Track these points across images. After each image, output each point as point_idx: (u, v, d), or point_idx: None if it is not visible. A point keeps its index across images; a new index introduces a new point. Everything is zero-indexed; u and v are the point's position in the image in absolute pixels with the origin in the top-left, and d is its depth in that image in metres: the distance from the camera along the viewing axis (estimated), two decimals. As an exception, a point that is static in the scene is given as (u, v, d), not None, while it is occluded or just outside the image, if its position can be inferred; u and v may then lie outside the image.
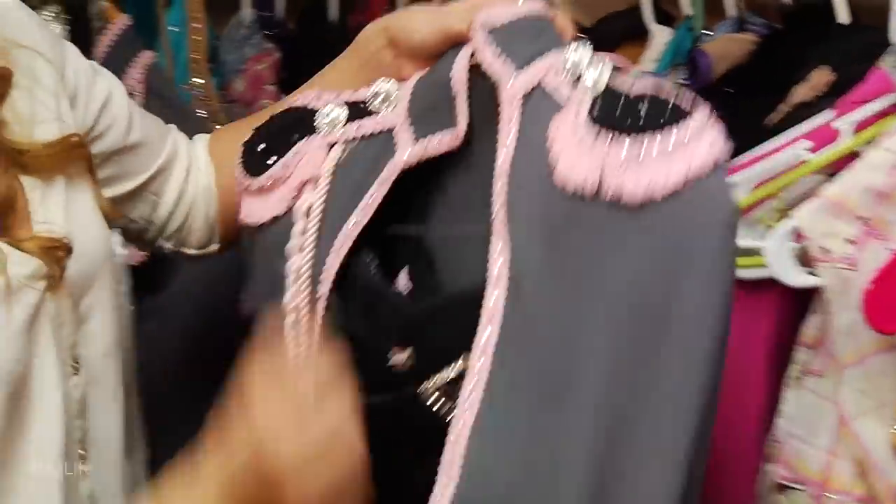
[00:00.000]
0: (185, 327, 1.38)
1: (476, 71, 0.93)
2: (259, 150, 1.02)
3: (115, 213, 1.01)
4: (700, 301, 0.82)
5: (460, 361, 0.88)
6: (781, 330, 1.25)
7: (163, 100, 1.54)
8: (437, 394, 0.89)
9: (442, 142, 0.94)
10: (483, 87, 0.93)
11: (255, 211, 1.02)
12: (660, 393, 0.83)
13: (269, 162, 1.00)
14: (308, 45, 1.80)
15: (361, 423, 0.85)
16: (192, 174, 1.13)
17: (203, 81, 1.71)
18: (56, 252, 0.88)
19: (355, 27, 1.22)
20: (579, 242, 0.84)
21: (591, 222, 0.83)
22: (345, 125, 1.00)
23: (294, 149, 1.00)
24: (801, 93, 1.44)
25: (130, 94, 1.51)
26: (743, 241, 1.24)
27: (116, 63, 1.55)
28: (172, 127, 1.16)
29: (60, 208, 0.93)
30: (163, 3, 1.73)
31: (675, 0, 1.77)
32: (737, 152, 1.30)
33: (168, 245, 1.16)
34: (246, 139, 1.03)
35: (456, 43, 0.95)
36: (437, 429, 0.88)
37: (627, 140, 0.81)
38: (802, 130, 1.30)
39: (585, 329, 0.83)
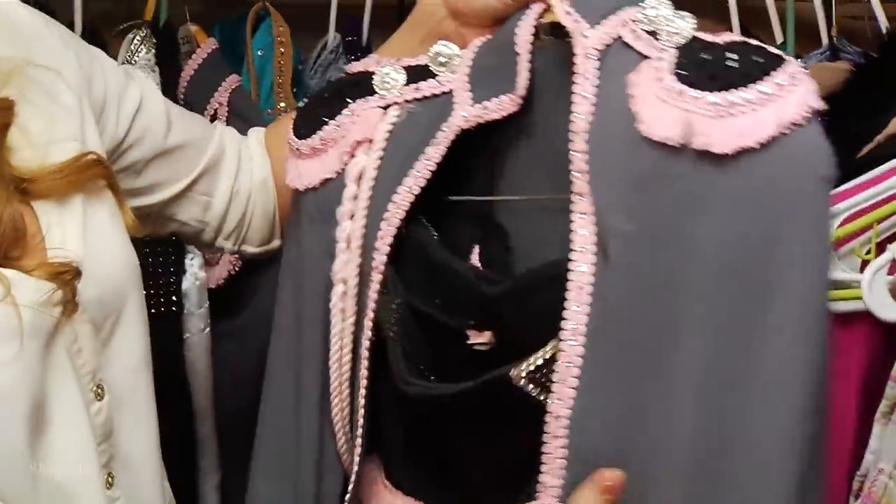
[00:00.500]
0: (262, 350, 1.37)
1: (542, 34, 0.92)
2: (313, 113, 1.00)
3: (139, 230, 0.97)
4: (802, 257, 0.79)
5: (549, 346, 0.84)
6: (872, 364, 1.21)
7: (247, 123, 1.54)
8: (528, 378, 0.85)
9: (502, 104, 0.90)
10: (549, 52, 0.91)
11: (306, 173, 0.99)
12: (768, 356, 0.79)
13: (322, 123, 0.98)
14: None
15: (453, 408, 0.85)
16: (243, 170, 1.11)
17: (287, 105, 1.71)
18: (64, 276, 0.84)
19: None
20: (667, 199, 0.80)
21: (679, 177, 0.80)
22: (402, 87, 0.97)
23: (348, 108, 0.97)
24: (898, 123, 1.40)
25: (214, 118, 1.53)
26: (836, 273, 1.21)
27: (203, 86, 1.57)
28: (218, 124, 1.13)
29: (79, 230, 0.89)
30: (250, 27, 1.74)
31: (765, 27, 1.73)
32: (829, 183, 1.27)
33: (228, 245, 1.13)
34: (301, 106, 1.02)
35: (521, 6, 0.93)
36: (531, 409, 0.85)
37: (716, 89, 0.79)
38: (902, 162, 1.26)
39: (680, 292, 0.80)
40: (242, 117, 1.55)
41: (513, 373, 0.85)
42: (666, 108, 0.80)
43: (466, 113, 0.91)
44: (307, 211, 1.00)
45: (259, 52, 1.73)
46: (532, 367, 0.85)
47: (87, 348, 0.87)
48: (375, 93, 0.97)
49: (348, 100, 0.98)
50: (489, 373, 0.87)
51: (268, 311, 1.18)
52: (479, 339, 0.90)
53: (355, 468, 0.96)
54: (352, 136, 0.96)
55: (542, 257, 0.89)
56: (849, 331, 1.20)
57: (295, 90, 1.74)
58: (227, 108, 1.55)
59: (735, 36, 0.82)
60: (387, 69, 0.98)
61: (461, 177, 0.95)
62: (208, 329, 1.39)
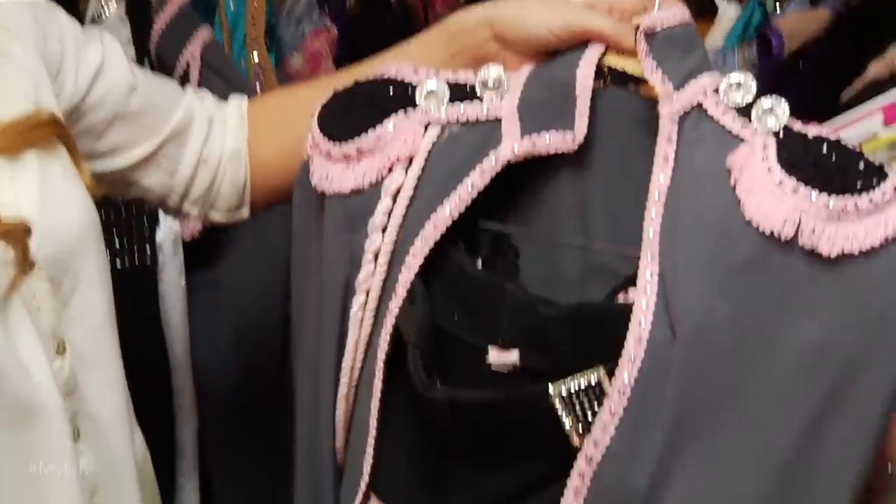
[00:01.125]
0: (236, 303, 1.37)
1: (606, 79, 0.91)
2: (345, 115, 0.97)
3: (97, 190, 0.95)
4: (883, 376, 0.80)
5: (594, 374, 0.84)
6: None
7: (220, 76, 1.52)
8: (562, 400, 0.85)
9: (553, 142, 0.89)
10: (609, 98, 0.91)
11: (336, 179, 0.96)
12: (831, 468, 0.82)
13: (359, 130, 0.95)
14: (366, 23, 1.78)
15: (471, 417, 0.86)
16: (214, 136, 1.08)
17: (260, 58, 1.69)
18: (15, 234, 0.82)
19: (414, 6, 1.20)
20: (761, 289, 0.81)
21: (778, 270, 0.81)
22: (446, 106, 0.94)
23: (391, 121, 0.94)
24: (876, 69, 1.40)
25: (186, 71, 1.51)
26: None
27: (174, 39, 1.54)
28: (189, 88, 1.11)
29: (33, 188, 0.87)
30: (222, -22, 1.71)
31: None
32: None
33: (194, 210, 1.11)
34: (326, 101, 0.98)
35: (584, 41, 0.91)
36: (552, 435, 0.86)
37: (829, 191, 0.80)
38: (876, 105, 1.26)
39: (748, 380, 0.81)
40: (215, 70, 1.53)
41: (552, 388, 0.85)
42: (776, 202, 0.80)
43: (517, 147, 0.90)
44: (333, 216, 0.98)
45: (231, 5, 1.70)
46: (572, 390, 0.85)
47: (45, 306, 0.86)
48: (417, 106, 0.95)
49: (391, 108, 0.95)
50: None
51: (242, 263, 1.17)
52: (502, 358, 0.89)
53: (365, 479, 0.96)
54: (392, 150, 0.94)
55: (553, 290, 0.90)
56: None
57: (268, 42, 1.72)
58: (199, 61, 1.53)
59: (820, 129, 0.84)
60: (431, 84, 0.95)
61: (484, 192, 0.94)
62: (183, 281, 1.38)
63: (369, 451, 0.95)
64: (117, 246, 1.30)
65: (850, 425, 0.81)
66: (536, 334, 0.88)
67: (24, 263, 0.83)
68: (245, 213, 1.13)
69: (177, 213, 1.13)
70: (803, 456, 0.82)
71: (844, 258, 0.79)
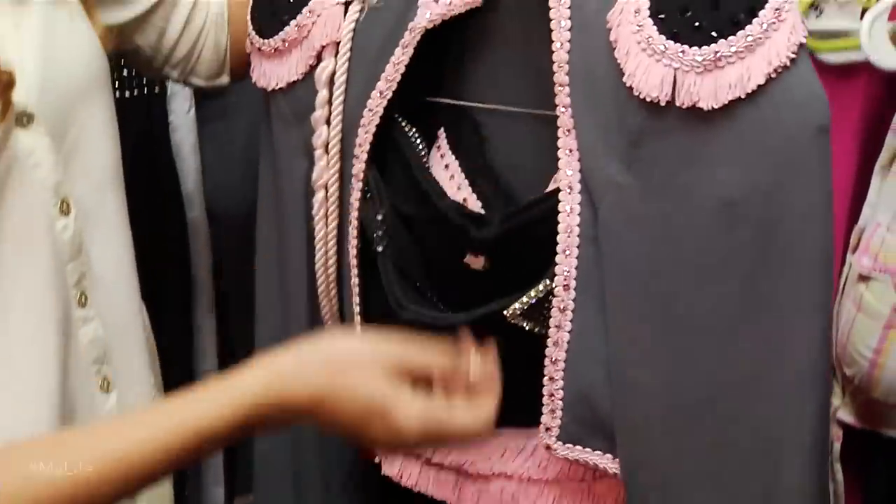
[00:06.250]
0: (250, 131, 1.35)
1: None
2: (271, 7, 0.96)
3: (111, 42, 0.96)
4: (806, 206, 0.79)
5: (542, 286, 0.85)
6: (871, 117, 1.19)
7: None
8: (523, 315, 0.86)
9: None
10: None
11: (272, 75, 0.97)
12: (780, 295, 0.81)
13: (283, 22, 0.95)
14: None
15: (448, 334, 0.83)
16: (201, 1, 1.08)
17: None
18: None
19: None
20: (660, 152, 0.80)
21: (670, 131, 0.79)
22: None
23: (307, 7, 0.93)
24: None
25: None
26: (834, 22, 1.17)
27: None
28: None
29: (37, 35, 0.86)
30: None
31: None
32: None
33: (174, 74, 1.11)
34: None
35: None
36: (530, 339, 0.87)
37: (701, 42, 0.76)
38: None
39: (676, 241, 0.81)
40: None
41: (507, 311, 0.85)
42: (650, 63, 0.77)
43: (429, 14, 0.87)
44: (279, 113, 0.99)
45: None
46: (525, 306, 0.85)
47: (46, 162, 0.85)
48: None
49: None
50: (484, 301, 0.87)
51: (254, 89, 1.15)
52: (472, 259, 0.89)
53: None
54: (316, 39, 0.93)
55: (517, 159, 0.90)
56: (846, 83, 1.18)
57: None
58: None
59: None
60: None
61: (430, 71, 0.92)
62: (193, 110, 1.37)
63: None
64: (125, 74, 1.28)
65: (791, 261, 0.81)
66: (486, 246, 0.88)
67: (7, 112, 0.82)
68: (225, 80, 1.13)
69: (157, 75, 1.15)
70: (757, 299, 0.81)
71: (734, 103, 0.77)
